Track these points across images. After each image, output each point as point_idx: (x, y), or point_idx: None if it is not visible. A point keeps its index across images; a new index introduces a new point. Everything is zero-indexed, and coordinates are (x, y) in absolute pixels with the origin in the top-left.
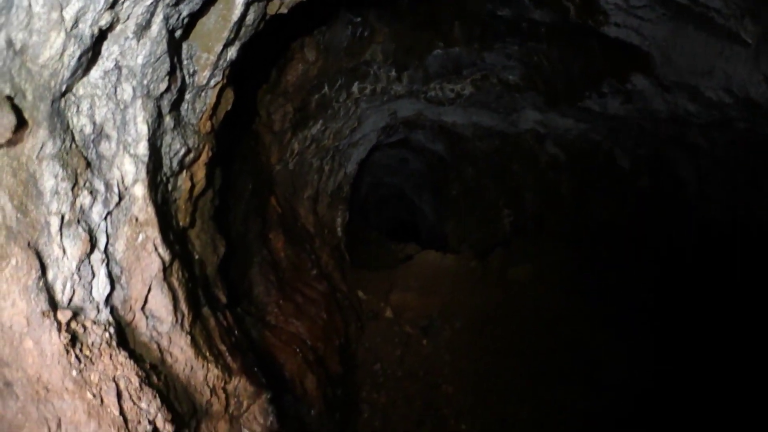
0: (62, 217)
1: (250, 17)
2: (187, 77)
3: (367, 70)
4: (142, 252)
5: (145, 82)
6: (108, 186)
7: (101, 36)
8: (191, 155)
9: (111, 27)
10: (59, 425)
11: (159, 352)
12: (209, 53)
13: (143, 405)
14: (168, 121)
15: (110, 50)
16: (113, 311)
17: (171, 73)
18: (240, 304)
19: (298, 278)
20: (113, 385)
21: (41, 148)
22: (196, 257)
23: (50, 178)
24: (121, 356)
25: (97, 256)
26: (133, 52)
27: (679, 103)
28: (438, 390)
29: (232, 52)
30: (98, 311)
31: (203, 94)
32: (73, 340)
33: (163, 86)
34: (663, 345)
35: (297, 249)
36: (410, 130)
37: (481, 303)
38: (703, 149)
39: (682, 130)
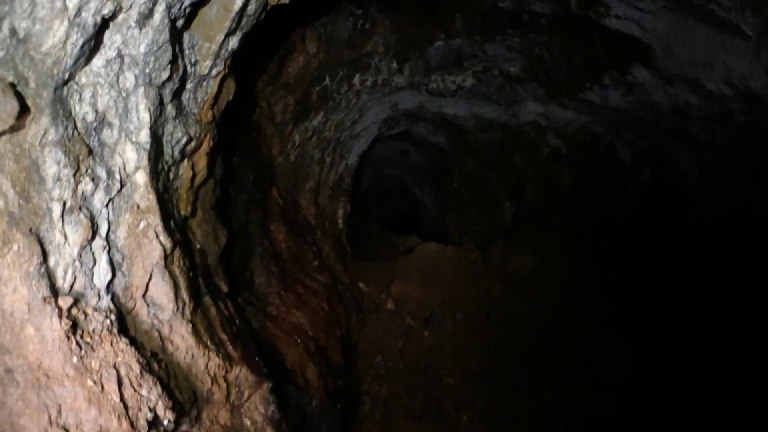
0: (64, 204)
1: (251, 7)
2: (188, 67)
3: (369, 62)
4: (144, 239)
5: (147, 70)
6: (110, 173)
7: (104, 25)
8: (193, 144)
9: (113, 16)
10: (59, 412)
11: (160, 340)
12: (211, 43)
13: (144, 392)
14: (170, 109)
15: (113, 39)
16: (114, 298)
17: (173, 62)
18: (241, 294)
19: (299, 269)
20: (114, 371)
21: (44, 134)
22: (198, 247)
23: (52, 164)
24: (122, 343)
25: (99, 242)
26: (136, 41)
27: (680, 96)
28: (439, 382)
29: (233, 42)
30: (99, 298)
31: (205, 83)
32: (74, 326)
33: (165, 75)
34: (663, 344)
35: (298, 240)
36: (411, 122)
37: (483, 295)
38: (704, 142)
39: (683, 122)
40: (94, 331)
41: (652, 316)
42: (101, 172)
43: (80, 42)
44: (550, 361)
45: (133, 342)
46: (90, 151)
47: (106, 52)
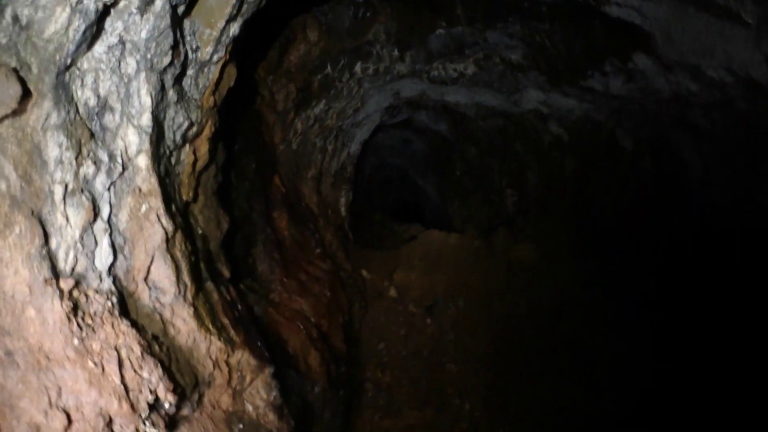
0: (66, 186)
1: None
2: (190, 53)
3: (370, 50)
4: (145, 222)
5: (148, 56)
6: (112, 156)
7: (105, 11)
8: (194, 129)
9: (115, 2)
10: (60, 394)
11: (161, 323)
12: (212, 29)
13: (145, 374)
14: (171, 95)
15: (114, 25)
16: (116, 281)
17: (174, 48)
18: (244, 281)
19: (301, 257)
20: (115, 353)
21: (46, 118)
22: (200, 232)
23: (54, 147)
24: (123, 325)
25: (100, 225)
26: (137, 27)
27: (681, 83)
28: (442, 369)
29: (234, 28)
30: (101, 280)
31: (206, 69)
32: (75, 308)
33: (167, 60)
34: (663, 342)
35: (301, 228)
36: (413, 110)
37: (485, 283)
38: (705, 130)
39: (684, 110)
40: (95, 313)
41: (652, 311)
42: (103, 156)
43: (82, 28)
44: (552, 351)
45: (135, 324)
46: (92, 135)
47: (108, 38)
